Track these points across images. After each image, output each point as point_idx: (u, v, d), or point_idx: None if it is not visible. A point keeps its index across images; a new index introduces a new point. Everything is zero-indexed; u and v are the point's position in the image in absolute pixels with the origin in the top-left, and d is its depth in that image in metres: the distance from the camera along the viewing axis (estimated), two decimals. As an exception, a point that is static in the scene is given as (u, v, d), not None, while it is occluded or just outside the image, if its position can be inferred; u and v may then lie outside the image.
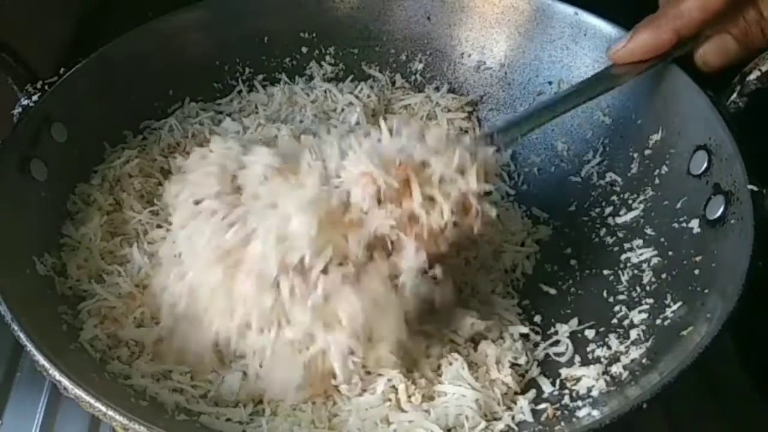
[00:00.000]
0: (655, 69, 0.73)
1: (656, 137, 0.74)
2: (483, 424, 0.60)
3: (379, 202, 0.61)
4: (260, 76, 0.89)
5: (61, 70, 0.76)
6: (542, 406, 0.63)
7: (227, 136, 0.80)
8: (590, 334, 0.69)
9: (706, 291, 0.61)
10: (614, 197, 0.77)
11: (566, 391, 0.64)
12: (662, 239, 0.70)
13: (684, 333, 0.59)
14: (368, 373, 0.63)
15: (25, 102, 0.73)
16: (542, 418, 0.61)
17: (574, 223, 0.79)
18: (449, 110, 0.87)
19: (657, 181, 0.73)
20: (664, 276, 0.68)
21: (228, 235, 0.62)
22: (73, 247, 0.72)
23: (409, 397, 0.62)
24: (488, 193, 0.64)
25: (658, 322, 0.64)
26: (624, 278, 0.71)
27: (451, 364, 0.65)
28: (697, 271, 0.64)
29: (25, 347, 0.56)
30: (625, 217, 0.75)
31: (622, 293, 0.70)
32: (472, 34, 0.87)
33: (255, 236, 0.61)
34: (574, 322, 0.71)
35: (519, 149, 0.86)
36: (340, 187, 0.61)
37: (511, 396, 0.64)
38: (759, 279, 0.58)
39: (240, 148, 0.66)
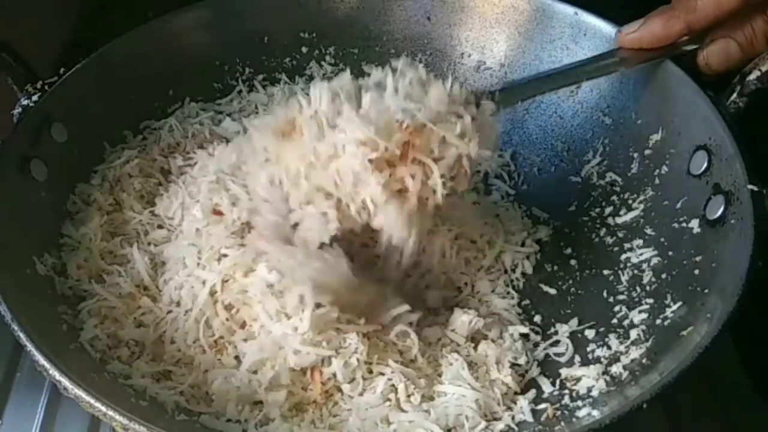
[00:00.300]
0: (656, 69, 0.73)
1: (656, 137, 0.74)
2: (483, 424, 0.60)
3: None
4: (260, 76, 0.89)
5: (61, 70, 0.76)
6: (542, 406, 0.63)
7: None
8: (590, 334, 0.69)
9: (706, 291, 0.61)
10: (614, 197, 0.77)
11: (566, 391, 0.64)
12: (662, 239, 0.70)
13: (684, 333, 0.59)
14: (370, 372, 0.63)
15: (25, 102, 0.73)
16: (542, 418, 0.62)
17: (574, 223, 0.79)
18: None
19: (657, 181, 0.73)
20: (664, 276, 0.68)
21: None
22: (73, 247, 0.72)
23: (409, 396, 0.62)
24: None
25: (658, 322, 0.64)
26: (624, 278, 0.71)
27: (451, 364, 0.65)
28: (697, 271, 0.64)
29: (25, 347, 0.56)
30: (625, 217, 0.75)
31: (622, 293, 0.70)
32: (472, 34, 0.87)
33: None
34: (574, 322, 0.71)
35: (519, 149, 0.86)
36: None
37: (511, 396, 0.64)
38: (759, 279, 0.58)
39: None
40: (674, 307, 0.64)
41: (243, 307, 0.65)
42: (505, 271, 0.76)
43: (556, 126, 0.84)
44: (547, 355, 0.69)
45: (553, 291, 0.75)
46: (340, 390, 0.62)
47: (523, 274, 0.77)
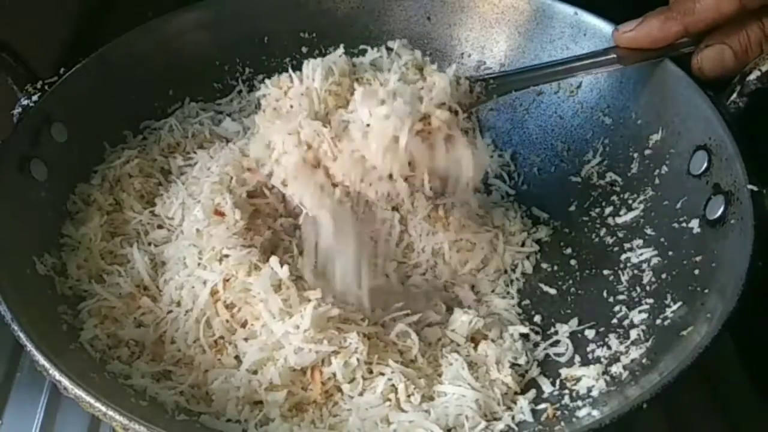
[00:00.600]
0: (656, 69, 0.73)
1: (656, 137, 0.74)
2: (483, 424, 0.60)
3: None
4: (260, 76, 0.88)
5: (61, 70, 0.76)
6: (542, 406, 0.63)
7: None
8: (590, 334, 0.69)
9: (706, 291, 0.61)
10: (614, 197, 0.77)
11: (566, 391, 0.64)
12: (662, 239, 0.70)
13: (684, 333, 0.59)
14: (370, 372, 0.63)
15: (25, 102, 0.73)
16: (542, 418, 0.62)
17: (574, 223, 0.79)
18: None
19: (657, 181, 0.73)
20: (664, 276, 0.68)
21: None
22: (73, 247, 0.72)
23: (409, 396, 0.62)
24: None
25: (658, 322, 0.64)
26: (624, 278, 0.71)
27: (451, 364, 0.65)
28: (697, 271, 0.64)
29: (25, 347, 0.56)
30: (625, 217, 0.75)
31: (622, 293, 0.70)
32: (472, 34, 0.87)
33: None
34: (574, 322, 0.71)
35: (519, 149, 0.86)
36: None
37: (511, 396, 0.64)
38: (759, 279, 0.58)
39: None
40: (674, 307, 0.64)
41: (245, 306, 0.65)
42: (505, 271, 0.76)
43: (556, 126, 0.84)
44: (547, 355, 0.69)
45: (553, 291, 0.75)
46: (340, 390, 0.62)
47: (523, 274, 0.77)
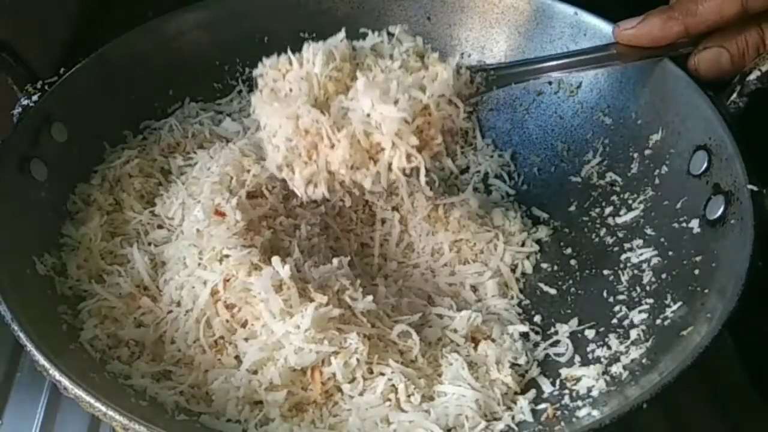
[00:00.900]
0: (656, 69, 0.73)
1: (656, 137, 0.74)
2: (483, 424, 0.60)
3: None
4: (260, 76, 0.88)
5: (61, 70, 0.76)
6: (542, 406, 0.63)
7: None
8: (590, 334, 0.69)
9: (706, 291, 0.61)
10: (614, 197, 0.77)
11: (566, 391, 0.64)
12: (662, 239, 0.70)
13: (684, 333, 0.59)
14: (370, 372, 0.63)
15: (25, 102, 0.73)
16: (542, 418, 0.62)
17: (574, 223, 0.79)
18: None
19: (657, 181, 0.73)
20: (664, 276, 0.68)
21: None
22: (73, 247, 0.72)
23: (409, 396, 0.62)
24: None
25: (658, 322, 0.64)
26: (624, 278, 0.71)
27: (451, 364, 0.65)
28: (697, 271, 0.64)
29: (25, 347, 0.57)
30: (625, 217, 0.75)
31: (622, 293, 0.70)
32: (472, 34, 0.87)
33: None
34: (574, 322, 0.71)
35: (519, 149, 0.86)
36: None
37: (511, 396, 0.64)
38: (759, 279, 0.58)
39: None
40: (674, 307, 0.64)
41: (245, 306, 0.65)
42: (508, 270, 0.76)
43: (556, 126, 0.84)
44: (547, 355, 0.69)
45: (553, 291, 0.75)
46: (340, 390, 0.62)
47: (523, 274, 0.77)
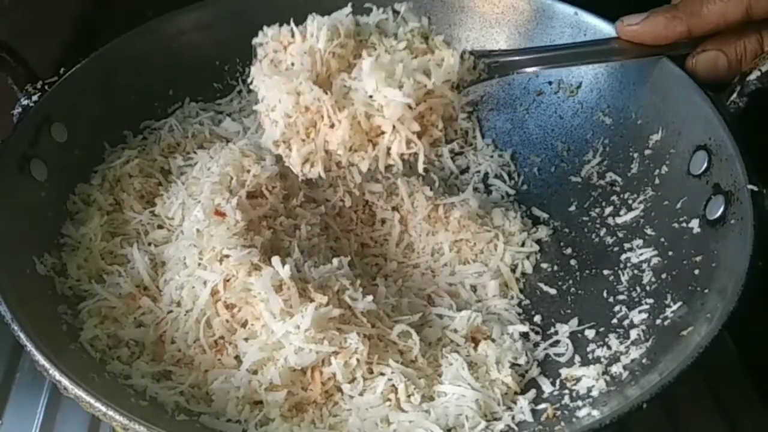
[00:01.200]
0: (656, 68, 0.73)
1: (656, 137, 0.74)
2: (483, 424, 0.60)
3: None
4: (260, 76, 0.88)
5: (61, 70, 0.76)
6: (542, 406, 0.63)
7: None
8: (590, 334, 0.69)
9: (706, 291, 0.61)
10: (614, 197, 0.77)
11: (566, 391, 0.64)
12: (662, 239, 0.70)
13: (684, 333, 0.59)
14: (370, 372, 0.63)
15: (25, 102, 0.73)
16: (542, 418, 0.61)
17: (574, 223, 0.79)
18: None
19: (657, 181, 0.73)
20: (664, 276, 0.68)
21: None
22: (73, 247, 0.72)
23: (409, 397, 0.62)
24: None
25: (658, 322, 0.64)
26: (624, 278, 0.71)
27: (451, 364, 0.65)
28: (697, 271, 0.64)
29: (25, 347, 0.57)
30: (625, 217, 0.75)
31: (622, 293, 0.70)
32: (472, 34, 0.87)
33: None
34: (574, 322, 0.71)
35: (519, 149, 0.86)
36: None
37: (511, 396, 0.64)
38: (759, 279, 0.58)
39: None
40: (674, 307, 0.64)
41: (245, 306, 0.65)
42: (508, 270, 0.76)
43: (556, 126, 0.84)
44: (547, 355, 0.69)
45: (553, 291, 0.75)
46: (340, 390, 0.62)
47: (523, 274, 0.77)
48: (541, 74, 0.84)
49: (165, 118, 0.84)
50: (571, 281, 0.75)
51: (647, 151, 0.75)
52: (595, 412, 0.59)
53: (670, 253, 0.68)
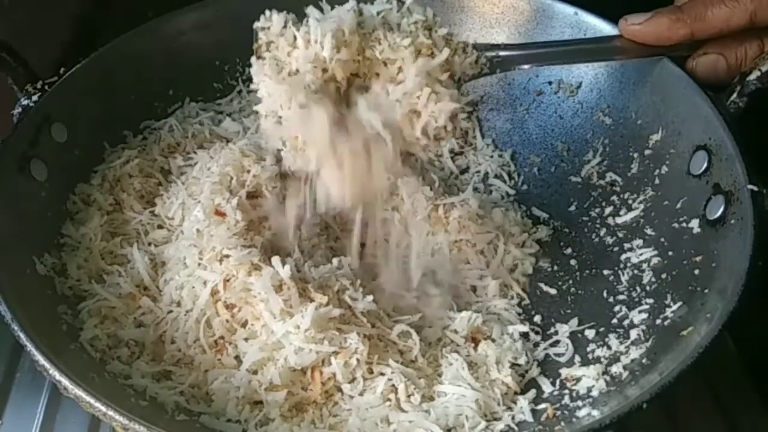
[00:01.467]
0: (656, 68, 0.73)
1: (656, 137, 0.74)
2: (483, 424, 0.60)
3: None
4: (260, 76, 0.88)
5: (61, 70, 0.76)
6: (542, 406, 0.63)
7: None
8: (590, 334, 0.69)
9: (706, 291, 0.61)
10: (614, 197, 0.77)
11: (566, 391, 0.64)
12: (662, 239, 0.70)
13: (684, 333, 0.59)
14: (370, 372, 0.63)
15: (25, 102, 0.73)
16: (542, 418, 0.62)
17: (574, 223, 0.79)
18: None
19: (657, 181, 0.73)
20: (664, 276, 0.68)
21: None
22: (73, 247, 0.72)
23: (409, 396, 0.62)
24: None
25: (658, 322, 0.64)
26: (624, 278, 0.71)
27: (451, 364, 0.65)
28: (697, 271, 0.64)
29: (25, 347, 0.56)
30: (625, 217, 0.75)
31: (622, 293, 0.70)
32: (472, 34, 0.87)
33: None
34: (574, 322, 0.71)
35: (519, 149, 0.86)
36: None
37: (511, 396, 0.64)
38: (759, 279, 0.58)
39: None
40: (674, 307, 0.64)
41: (245, 306, 0.65)
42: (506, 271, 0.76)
43: (556, 126, 0.84)
44: (547, 355, 0.69)
45: (553, 291, 0.75)
46: (340, 390, 0.62)
47: (523, 274, 0.77)
48: (541, 74, 0.84)
49: (165, 118, 0.84)
50: (571, 281, 0.75)
51: (647, 151, 0.75)
52: (595, 412, 0.59)
53: (670, 253, 0.68)
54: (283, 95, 0.61)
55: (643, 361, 0.62)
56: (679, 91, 0.71)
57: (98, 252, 0.71)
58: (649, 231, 0.72)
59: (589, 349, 0.67)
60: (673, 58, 0.72)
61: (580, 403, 0.62)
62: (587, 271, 0.75)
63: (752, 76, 0.66)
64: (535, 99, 0.85)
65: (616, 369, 0.63)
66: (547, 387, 0.65)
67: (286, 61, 0.62)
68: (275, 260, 0.65)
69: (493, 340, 0.68)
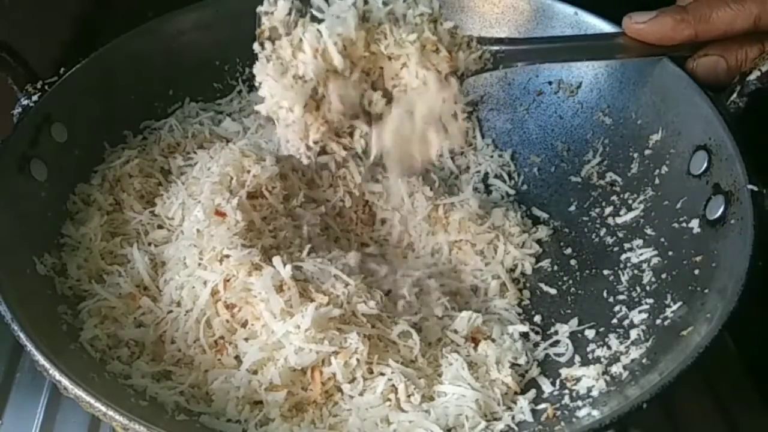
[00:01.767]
0: (656, 69, 0.73)
1: (656, 137, 0.74)
2: (483, 424, 0.60)
3: None
4: (260, 76, 0.88)
5: (61, 70, 0.76)
6: (542, 406, 0.63)
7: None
8: (590, 334, 0.69)
9: (706, 291, 0.61)
10: (614, 197, 0.77)
11: (566, 391, 0.64)
12: (662, 239, 0.70)
13: (684, 333, 0.59)
14: (370, 372, 0.63)
15: (25, 102, 0.73)
16: (542, 418, 0.62)
17: (574, 223, 0.79)
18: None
19: (657, 181, 0.73)
20: (664, 276, 0.68)
21: None
22: (73, 247, 0.72)
23: (409, 396, 0.62)
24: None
25: (658, 322, 0.64)
26: (624, 278, 0.71)
27: (451, 364, 0.65)
28: (697, 271, 0.64)
29: (25, 347, 0.56)
30: (625, 217, 0.75)
31: (622, 293, 0.70)
32: (472, 34, 0.87)
33: None
34: (574, 322, 0.71)
35: (519, 149, 0.86)
36: None
37: (511, 396, 0.64)
38: (759, 279, 0.58)
39: None
40: (674, 307, 0.64)
41: (245, 306, 0.65)
42: (506, 271, 0.76)
43: (556, 126, 0.84)
44: (547, 355, 0.69)
45: (553, 291, 0.75)
46: (340, 390, 0.62)
47: (523, 274, 0.77)
48: (541, 74, 0.84)
49: (165, 118, 0.84)
50: (571, 281, 0.75)
51: (647, 151, 0.75)
52: (595, 412, 0.59)
53: (670, 253, 0.68)
54: (287, 100, 0.61)
55: (643, 361, 0.62)
56: (679, 91, 0.71)
57: (98, 252, 0.71)
58: (649, 231, 0.72)
59: (589, 349, 0.67)
60: (673, 58, 0.72)
61: (580, 403, 0.62)
62: (587, 271, 0.75)
63: (752, 76, 0.66)
64: (535, 99, 0.85)
65: (616, 369, 0.63)
66: (547, 387, 0.65)
67: (291, 62, 0.62)
68: (276, 260, 0.65)
69: (493, 340, 0.68)
